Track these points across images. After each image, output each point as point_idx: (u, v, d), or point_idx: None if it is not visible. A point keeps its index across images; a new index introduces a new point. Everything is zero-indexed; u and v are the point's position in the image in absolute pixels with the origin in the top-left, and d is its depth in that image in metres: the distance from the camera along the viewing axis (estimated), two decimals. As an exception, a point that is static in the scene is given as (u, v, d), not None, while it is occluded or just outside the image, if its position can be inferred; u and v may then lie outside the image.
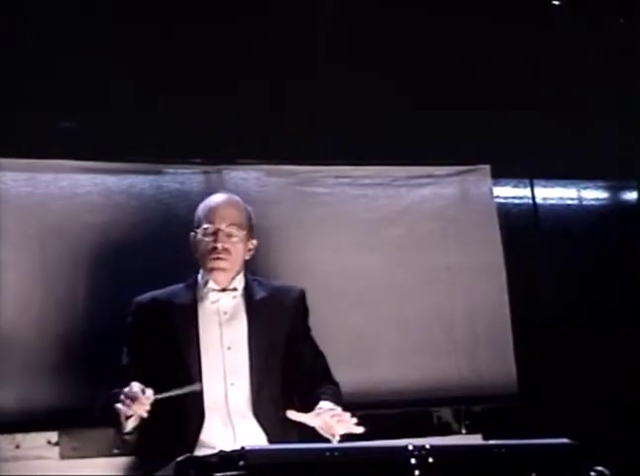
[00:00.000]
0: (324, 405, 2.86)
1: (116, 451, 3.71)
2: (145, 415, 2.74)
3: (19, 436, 3.65)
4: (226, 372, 2.99)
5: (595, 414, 4.13)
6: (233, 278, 3.10)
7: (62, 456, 3.68)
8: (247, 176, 4.15)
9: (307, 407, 2.89)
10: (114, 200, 3.95)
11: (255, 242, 3.17)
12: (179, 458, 2.33)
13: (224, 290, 3.09)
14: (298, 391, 3.04)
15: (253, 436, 2.92)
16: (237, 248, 3.08)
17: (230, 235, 3.07)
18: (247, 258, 3.15)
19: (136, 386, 2.73)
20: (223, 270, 3.07)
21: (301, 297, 3.17)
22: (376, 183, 4.33)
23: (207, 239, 3.07)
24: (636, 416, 4.22)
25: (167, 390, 2.84)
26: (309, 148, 4.13)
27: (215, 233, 3.06)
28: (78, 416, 3.58)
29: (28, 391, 3.65)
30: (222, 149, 4.06)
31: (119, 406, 2.74)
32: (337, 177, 4.28)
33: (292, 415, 2.81)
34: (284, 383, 3.04)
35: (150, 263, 3.77)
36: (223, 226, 3.06)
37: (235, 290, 3.10)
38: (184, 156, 4.09)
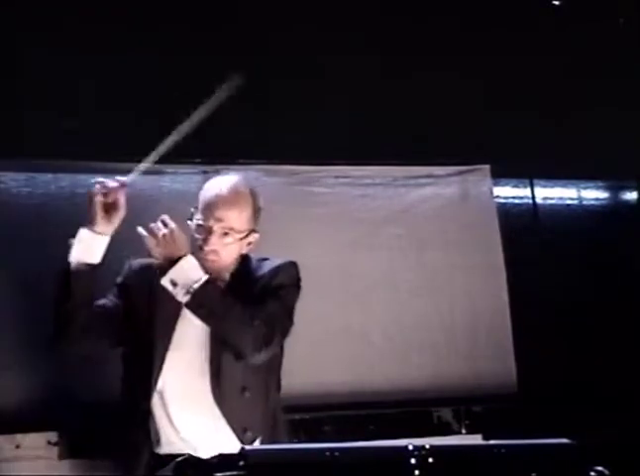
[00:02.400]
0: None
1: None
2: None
3: (19, 436, 3.65)
4: (191, 358, 2.86)
5: (595, 414, 4.13)
6: (223, 269, 2.94)
7: (62, 456, 3.68)
8: (247, 176, 4.14)
9: None
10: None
11: (257, 235, 2.98)
12: (179, 458, 2.33)
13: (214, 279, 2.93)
14: None
15: (210, 422, 2.83)
16: (229, 249, 2.90)
17: (224, 236, 2.88)
18: (243, 252, 2.97)
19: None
20: (209, 268, 2.86)
21: (277, 270, 2.97)
22: (376, 183, 4.33)
23: (197, 236, 2.87)
24: (636, 416, 4.21)
25: (134, 356, 2.82)
26: (309, 148, 4.13)
27: (207, 232, 2.86)
28: (78, 415, 3.60)
29: (28, 391, 3.65)
30: (222, 149, 4.05)
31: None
32: (337, 177, 4.28)
33: None
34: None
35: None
36: (217, 228, 2.87)
37: (224, 280, 2.94)
38: (184, 156, 4.08)
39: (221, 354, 2.85)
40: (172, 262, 2.75)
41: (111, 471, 3.62)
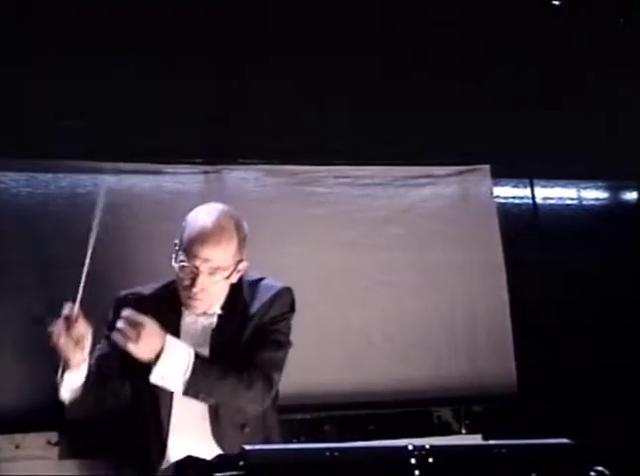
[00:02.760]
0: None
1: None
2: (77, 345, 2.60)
3: (19, 436, 3.65)
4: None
5: (595, 414, 4.13)
6: (214, 303, 2.88)
7: (62, 456, 3.68)
8: (247, 176, 4.15)
9: None
10: (114, 200, 3.95)
11: (245, 264, 2.87)
12: (179, 458, 2.33)
13: (204, 313, 2.89)
14: None
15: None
16: (219, 286, 2.82)
17: (212, 275, 2.78)
18: (234, 282, 2.88)
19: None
20: (200, 307, 2.84)
21: (272, 300, 2.91)
22: (376, 183, 4.33)
23: (183, 275, 2.78)
24: (636, 416, 4.21)
25: (139, 393, 2.79)
26: (309, 148, 4.13)
27: (193, 273, 2.77)
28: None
29: (28, 391, 3.65)
30: (222, 149, 4.05)
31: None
32: (337, 177, 4.28)
33: None
34: None
35: (150, 263, 3.76)
36: (204, 268, 2.76)
37: (213, 315, 2.88)
38: (184, 156, 4.09)
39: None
40: (155, 357, 2.65)
41: (111, 471, 3.63)
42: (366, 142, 4.17)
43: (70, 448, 3.69)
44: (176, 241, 2.87)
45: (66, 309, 2.62)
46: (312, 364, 3.83)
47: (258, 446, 2.26)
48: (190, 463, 2.27)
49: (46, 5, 3.77)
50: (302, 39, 4.06)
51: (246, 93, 4.03)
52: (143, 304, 2.83)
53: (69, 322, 2.61)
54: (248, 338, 2.85)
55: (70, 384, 2.76)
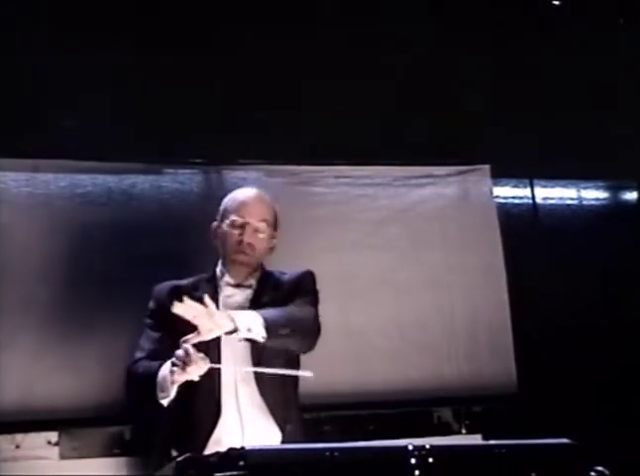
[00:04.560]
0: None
1: (116, 451, 3.72)
2: (197, 378, 2.78)
3: (19, 436, 3.65)
4: (235, 368, 3.00)
5: (595, 414, 4.13)
6: (250, 274, 3.15)
7: (62, 456, 3.68)
8: (247, 176, 4.15)
9: None
10: (114, 200, 3.95)
11: (275, 240, 3.22)
12: (179, 458, 2.33)
13: (239, 285, 3.12)
14: None
15: (263, 434, 2.94)
16: (262, 244, 3.14)
17: (257, 230, 3.12)
18: (267, 254, 3.21)
19: (192, 349, 2.75)
20: (244, 264, 3.11)
21: (301, 278, 3.19)
22: (376, 183, 4.33)
23: (234, 231, 3.11)
24: (636, 416, 4.22)
25: (189, 385, 2.86)
26: (309, 148, 4.13)
27: (243, 226, 3.10)
28: (78, 416, 3.60)
29: (28, 391, 3.65)
30: (222, 149, 4.05)
31: (173, 369, 2.77)
32: (337, 177, 4.28)
33: None
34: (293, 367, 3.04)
35: (150, 263, 3.76)
36: (253, 220, 3.11)
37: (250, 287, 3.13)
38: (184, 156, 4.09)
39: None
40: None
41: (112, 471, 3.64)
42: (366, 142, 4.17)
43: (70, 448, 3.69)
44: (217, 218, 3.20)
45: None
46: (312, 364, 3.83)
47: (258, 446, 2.26)
48: (190, 463, 2.28)
49: (46, 5, 3.77)
50: (302, 39, 4.06)
51: (246, 93, 4.03)
52: (180, 290, 3.04)
53: (195, 362, 2.79)
54: (293, 297, 3.10)
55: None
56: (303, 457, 2.15)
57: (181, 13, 3.93)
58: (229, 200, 3.20)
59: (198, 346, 2.84)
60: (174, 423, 2.98)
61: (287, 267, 3.85)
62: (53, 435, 3.69)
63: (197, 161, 4.12)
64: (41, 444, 3.67)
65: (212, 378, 2.93)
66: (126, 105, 3.88)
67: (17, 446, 3.64)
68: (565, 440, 2.28)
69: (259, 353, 2.99)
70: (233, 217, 3.13)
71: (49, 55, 3.77)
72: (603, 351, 4.38)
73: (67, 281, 3.80)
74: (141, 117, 3.92)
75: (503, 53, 4.29)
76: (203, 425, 2.94)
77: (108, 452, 3.71)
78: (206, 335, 2.77)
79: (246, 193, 3.21)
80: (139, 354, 3.07)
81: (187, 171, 4.11)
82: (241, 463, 2.07)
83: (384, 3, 4.16)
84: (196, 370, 2.76)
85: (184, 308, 2.71)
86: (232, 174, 4.14)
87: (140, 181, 4.03)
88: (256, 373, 2.99)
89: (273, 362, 2.99)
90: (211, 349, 2.89)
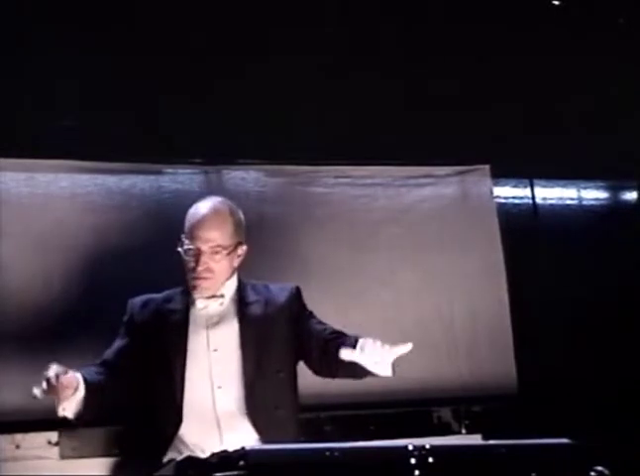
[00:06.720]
0: (363, 342, 2.79)
1: (116, 451, 3.72)
2: (67, 404, 2.74)
3: (19, 436, 3.65)
4: (212, 375, 2.92)
5: (595, 414, 4.13)
6: (222, 283, 3.01)
7: (62, 456, 3.68)
8: (247, 176, 4.15)
9: (328, 363, 2.96)
10: (114, 200, 3.96)
11: (244, 247, 3.03)
12: (179, 458, 2.33)
13: (212, 296, 3.01)
14: (311, 356, 3.04)
15: (243, 438, 2.83)
16: (221, 265, 2.97)
17: (213, 254, 2.95)
18: (235, 265, 3.04)
19: (52, 370, 2.65)
20: (207, 288, 2.98)
21: (294, 293, 3.08)
22: (376, 183, 4.33)
23: (189, 258, 2.96)
24: (636, 415, 4.22)
25: (151, 391, 2.87)
26: (309, 148, 4.13)
27: (197, 254, 2.94)
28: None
29: (28, 391, 3.64)
30: (222, 149, 4.06)
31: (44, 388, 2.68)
32: (337, 176, 4.28)
33: (345, 354, 2.78)
34: (287, 375, 3.02)
35: (149, 263, 3.76)
36: (205, 248, 2.94)
37: (222, 296, 3.01)
38: (184, 156, 4.09)
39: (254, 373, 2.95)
40: None
41: (111, 471, 3.64)
42: (366, 142, 4.17)
43: (70, 448, 3.69)
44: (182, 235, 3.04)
45: (51, 373, 2.66)
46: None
47: (258, 446, 2.26)
48: (190, 463, 2.28)
49: (45, 5, 3.77)
50: (303, 39, 4.05)
51: (246, 93, 4.03)
52: (151, 304, 3.05)
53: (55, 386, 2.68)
54: (295, 329, 3.04)
55: (71, 407, 2.84)
56: (303, 457, 2.15)
57: (181, 13, 3.93)
58: (186, 220, 3.02)
59: (166, 349, 2.89)
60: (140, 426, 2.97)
61: (287, 267, 3.87)
62: (53, 435, 3.69)
63: (197, 161, 4.12)
64: (41, 444, 3.67)
65: (175, 385, 2.90)
66: (126, 105, 3.88)
67: (17, 446, 3.65)
68: (565, 440, 2.28)
69: (255, 353, 2.95)
70: (186, 244, 2.96)
71: (49, 54, 3.77)
72: (603, 351, 4.38)
73: (68, 280, 3.81)
74: (141, 117, 3.92)
75: (503, 52, 4.29)
76: (164, 432, 2.89)
77: (108, 452, 3.71)
78: None
79: (199, 213, 2.99)
80: (97, 360, 3.02)
81: (187, 171, 4.11)
82: (241, 463, 2.07)
83: (384, 4, 4.16)
84: (61, 394, 2.70)
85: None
86: (232, 174, 4.14)
87: (140, 181, 4.03)
88: (244, 375, 2.93)
89: (272, 361, 2.96)
90: (177, 366, 2.90)
